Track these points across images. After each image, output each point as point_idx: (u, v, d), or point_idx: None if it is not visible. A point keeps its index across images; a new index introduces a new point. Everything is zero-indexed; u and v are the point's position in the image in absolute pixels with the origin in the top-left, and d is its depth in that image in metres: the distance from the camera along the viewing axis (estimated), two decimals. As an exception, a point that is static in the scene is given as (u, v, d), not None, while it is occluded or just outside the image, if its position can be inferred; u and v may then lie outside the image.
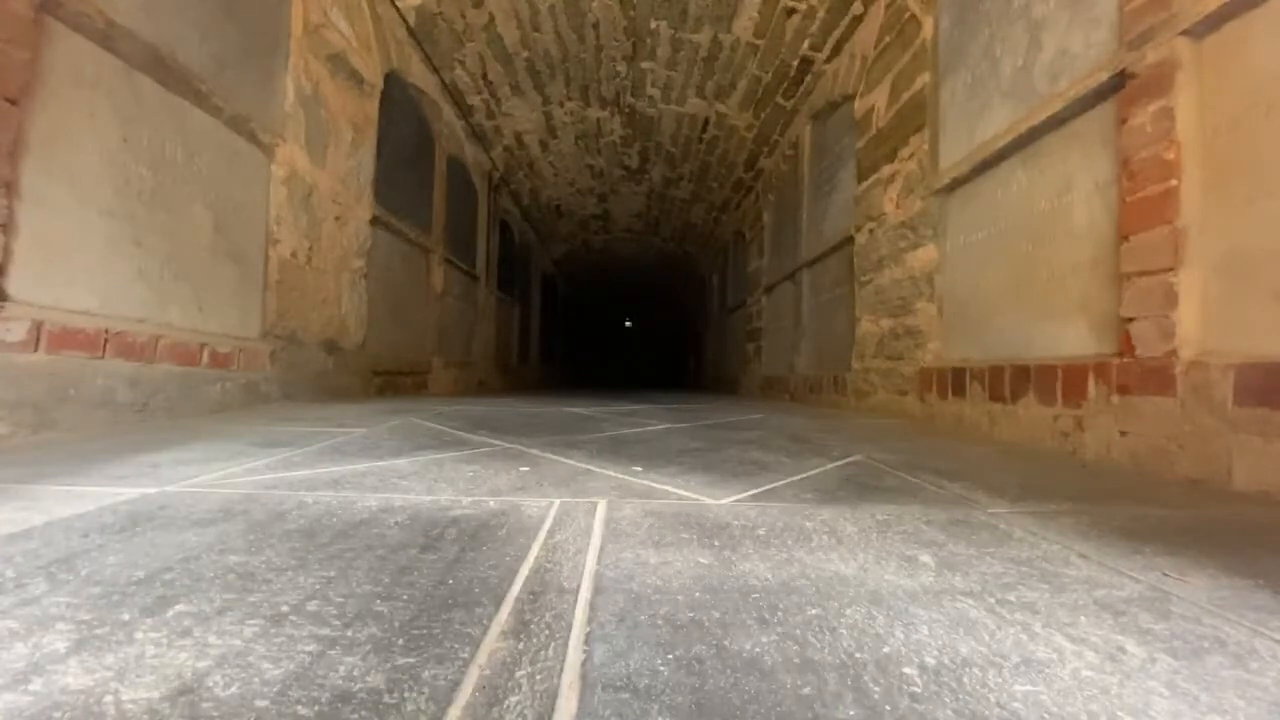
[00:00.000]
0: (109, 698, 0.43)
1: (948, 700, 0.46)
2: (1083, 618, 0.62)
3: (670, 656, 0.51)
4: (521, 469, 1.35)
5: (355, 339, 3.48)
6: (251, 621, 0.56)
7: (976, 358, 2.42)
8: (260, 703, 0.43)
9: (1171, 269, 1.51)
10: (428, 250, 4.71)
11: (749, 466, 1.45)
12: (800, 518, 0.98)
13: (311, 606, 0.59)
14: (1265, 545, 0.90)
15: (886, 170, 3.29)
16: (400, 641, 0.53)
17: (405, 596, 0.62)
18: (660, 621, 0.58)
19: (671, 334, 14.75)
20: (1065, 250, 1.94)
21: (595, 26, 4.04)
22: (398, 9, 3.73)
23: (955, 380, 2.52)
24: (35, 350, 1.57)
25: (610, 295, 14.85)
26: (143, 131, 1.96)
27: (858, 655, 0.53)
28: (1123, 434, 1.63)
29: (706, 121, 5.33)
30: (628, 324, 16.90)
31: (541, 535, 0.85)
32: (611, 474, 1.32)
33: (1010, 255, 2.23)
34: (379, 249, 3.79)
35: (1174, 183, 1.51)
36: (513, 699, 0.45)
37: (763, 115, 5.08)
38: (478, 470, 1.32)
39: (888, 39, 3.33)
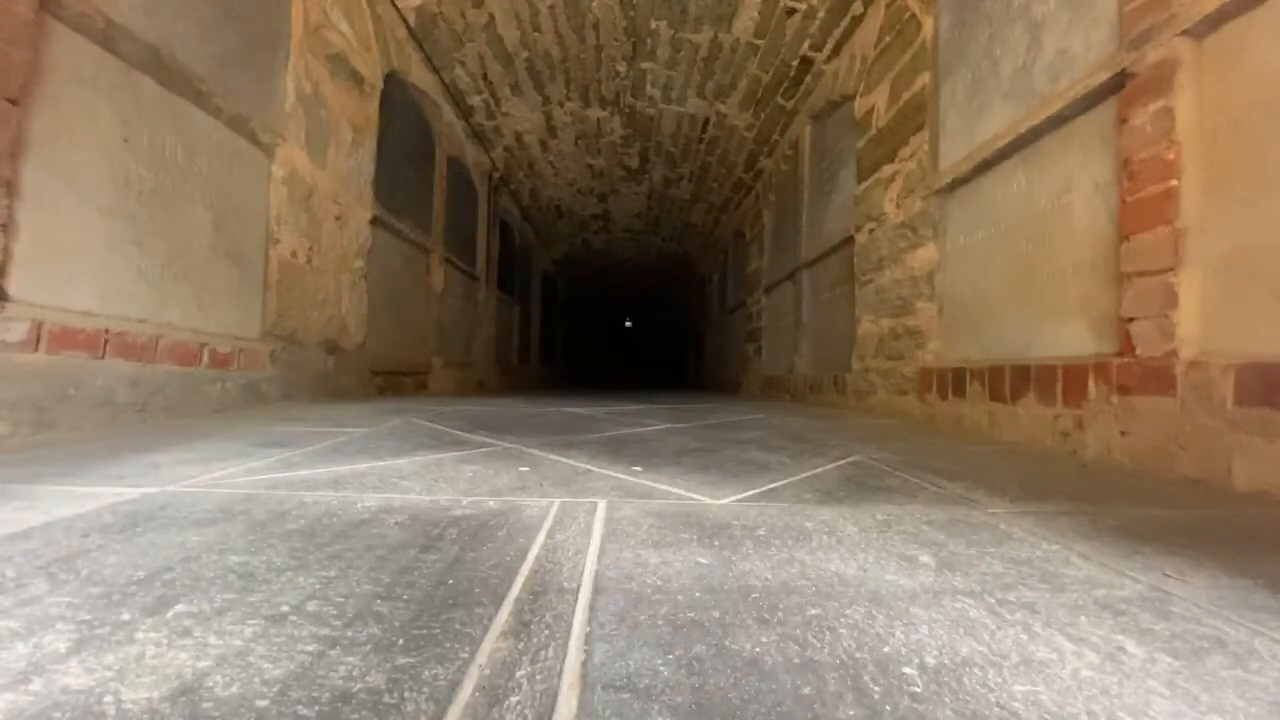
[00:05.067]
0: (109, 698, 0.43)
1: (948, 700, 0.46)
2: (1083, 618, 0.62)
3: (670, 656, 0.52)
4: (521, 469, 1.35)
5: (355, 339, 3.48)
6: (252, 621, 0.56)
7: (976, 358, 2.42)
8: (260, 703, 0.43)
9: (1171, 269, 1.51)
10: (428, 250, 4.71)
11: (749, 466, 1.45)
12: (800, 518, 0.98)
13: (311, 606, 0.59)
14: (1265, 545, 0.90)
15: (886, 170, 3.29)
16: (400, 641, 0.53)
17: (405, 596, 0.62)
18: (660, 621, 0.58)
19: (671, 334, 14.75)
20: (1065, 250, 1.94)
21: (595, 26, 4.04)
22: (398, 9, 3.73)
23: (955, 380, 2.52)
24: (35, 350, 1.57)
25: (610, 295, 14.85)
26: (143, 131, 1.96)
27: (858, 655, 0.53)
28: (1123, 434, 1.63)
29: (706, 121, 5.33)
30: (628, 324, 16.90)
31: (541, 535, 0.85)
32: (611, 474, 1.32)
33: (1010, 255, 2.23)
34: (379, 249, 3.79)
35: (1174, 183, 1.51)
36: (513, 699, 0.45)
37: (763, 115, 5.08)
38: (478, 470, 1.32)
39: (888, 39, 3.33)
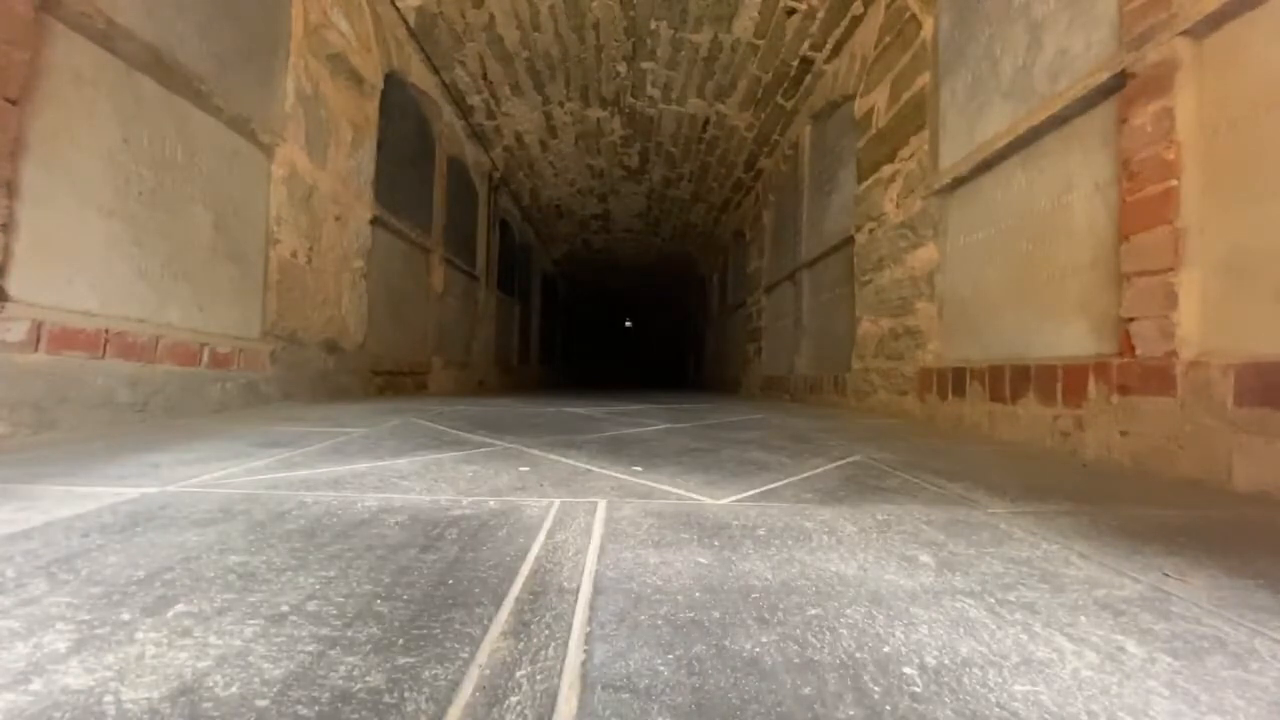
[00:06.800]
0: (109, 698, 0.43)
1: (948, 700, 0.46)
2: (1083, 618, 0.62)
3: (670, 656, 0.52)
4: (521, 469, 1.35)
5: (355, 339, 3.48)
6: (252, 621, 0.56)
7: (976, 358, 2.42)
8: (260, 703, 0.43)
9: (1171, 269, 1.51)
10: (428, 250, 4.71)
11: (749, 466, 1.45)
12: (800, 518, 0.98)
13: (311, 606, 0.59)
14: (1265, 545, 0.90)
15: (886, 170, 3.29)
16: (400, 641, 0.53)
17: (405, 596, 0.62)
18: (660, 621, 0.58)
19: (671, 334, 14.74)
20: (1065, 250, 1.94)
21: (595, 26, 4.04)
22: (398, 9, 3.73)
23: (955, 380, 2.52)
24: (35, 350, 1.57)
25: (610, 295, 14.84)
26: (143, 131, 1.96)
27: (858, 655, 0.53)
28: (1123, 434, 1.63)
29: (706, 121, 5.33)
30: (628, 324, 16.90)
31: (541, 535, 0.85)
32: (611, 474, 1.32)
33: (1010, 255, 2.23)
34: (379, 249, 3.79)
35: (1174, 183, 1.51)
36: (513, 699, 0.45)
37: (763, 115, 5.08)
38: (478, 470, 1.32)
39: (888, 39, 3.33)
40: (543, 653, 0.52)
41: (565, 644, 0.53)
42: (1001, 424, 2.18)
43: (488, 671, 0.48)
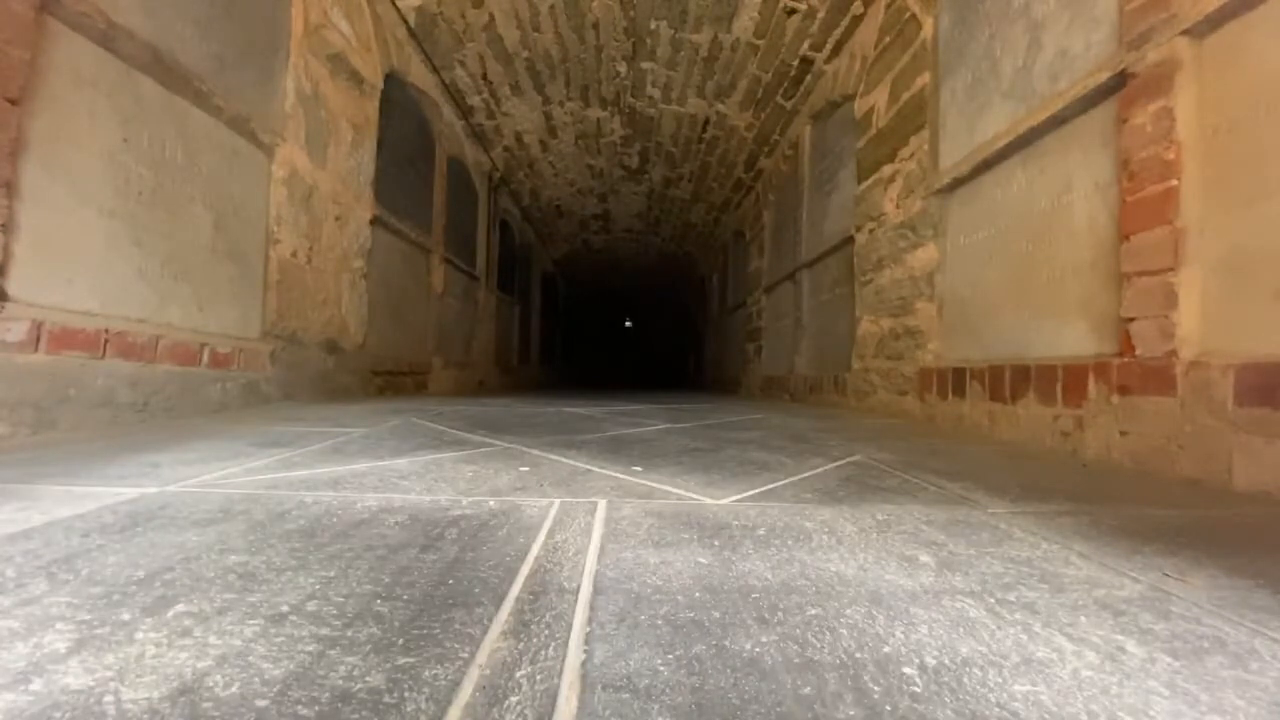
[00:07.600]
0: (109, 698, 0.43)
1: (948, 700, 0.46)
2: (1083, 618, 0.62)
3: (670, 656, 0.52)
4: (521, 469, 1.35)
5: (355, 339, 3.48)
6: (252, 621, 0.56)
7: (976, 358, 2.42)
8: (260, 703, 0.43)
9: (1171, 269, 1.51)
10: (428, 250, 4.71)
11: (749, 466, 1.45)
12: (800, 518, 0.98)
13: (311, 606, 0.59)
14: (1265, 545, 0.90)
15: (886, 170, 3.29)
16: (400, 641, 0.53)
17: (405, 596, 0.62)
18: (660, 621, 0.58)
19: (671, 334, 14.74)
20: (1065, 250, 1.94)
21: (595, 26, 4.04)
22: (398, 9, 3.73)
23: (955, 380, 2.52)
24: (35, 350, 1.57)
25: (610, 295, 14.84)
26: (143, 131, 1.96)
27: (858, 655, 0.53)
28: (1123, 434, 1.63)
29: (706, 121, 5.33)
30: (628, 324, 16.89)
31: (541, 535, 0.85)
32: (611, 474, 1.32)
33: (1010, 255, 2.23)
34: (379, 249, 3.79)
35: (1174, 183, 1.51)
36: (513, 699, 0.45)
37: (763, 115, 5.08)
38: (478, 470, 1.32)
39: (888, 39, 3.33)
40: (543, 653, 0.52)
41: (565, 644, 0.53)
42: (1002, 424, 2.18)
43: (488, 671, 0.48)
